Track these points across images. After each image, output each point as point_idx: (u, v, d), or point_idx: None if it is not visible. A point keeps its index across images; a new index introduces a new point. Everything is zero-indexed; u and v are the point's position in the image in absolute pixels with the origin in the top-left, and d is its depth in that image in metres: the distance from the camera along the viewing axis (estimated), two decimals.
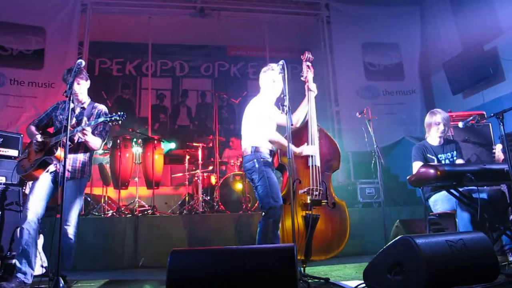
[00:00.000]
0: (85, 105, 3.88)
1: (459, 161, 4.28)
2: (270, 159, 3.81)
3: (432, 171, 3.38)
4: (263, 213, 3.62)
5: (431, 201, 4.21)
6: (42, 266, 4.28)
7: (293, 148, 3.72)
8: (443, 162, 4.26)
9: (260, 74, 4.04)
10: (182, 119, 10.11)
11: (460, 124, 4.24)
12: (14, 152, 4.89)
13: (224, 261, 2.48)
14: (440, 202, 4.10)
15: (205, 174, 7.04)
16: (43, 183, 3.71)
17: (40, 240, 4.39)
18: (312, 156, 3.85)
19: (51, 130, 3.94)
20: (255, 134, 3.82)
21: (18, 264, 3.53)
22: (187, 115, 10.15)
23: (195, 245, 5.18)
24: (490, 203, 3.76)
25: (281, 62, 3.63)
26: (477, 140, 5.11)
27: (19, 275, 3.53)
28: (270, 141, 3.78)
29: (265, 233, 3.53)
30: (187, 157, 7.21)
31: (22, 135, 5.08)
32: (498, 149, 4.35)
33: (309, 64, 4.12)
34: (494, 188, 3.89)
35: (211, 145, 7.41)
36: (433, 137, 4.37)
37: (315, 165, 3.84)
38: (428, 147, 4.36)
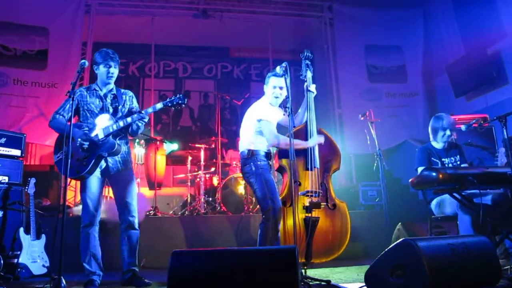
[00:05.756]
0: (114, 91, 3.79)
1: (463, 166, 4.26)
2: (266, 162, 3.81)
3: (434, 174, 3.37)
4: (263, 216, 3.63)
5: (433, 204, 4.20)
6: (44, 266, 4.29)
7: (298, 141, 3.72)
8: (446, 166, 4.24)
9: (265, 78, 4.03)
10: (184, 120, 10.11)
11: (463, 127, 4.22)
12: (17, 152, 4.90)
13: (225, 262, 2.47)
14: (442, 205, 4.09)
15: (207, 176, 7.04)
16: (96, 182, 3.62)
17: (42, 240, 4.41)
18: (311, 158, 3.84)
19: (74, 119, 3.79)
20: (253, 137, 3.82)
21: (89, 268, 3.53)
22: (190, 116, 10.15)
23: (196, 246, 5.18)
24: (494, 206, 3.74)
25: (284, 64, 3.64)
26: (480, 143, 5.09)
27: (95, 277, 3.53)
28: (275, 146, 3.78)
29: (266, 235, 3.54)
30: (189, 158, 7.21)
31: (25, 135, 5.09)
32: (501, 152, 4.34)
33: (308, 62, 4.08)
34: (499, 191, 3.87)
35: (213, 146, 7.41)
36: (439, 142, 4.36)
37: (315, 167, 3.83)
38: (433, 150, 4.35)
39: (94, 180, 3.61)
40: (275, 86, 3.89)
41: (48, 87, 7.29)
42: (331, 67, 8.62)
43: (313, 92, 4.02)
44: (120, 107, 3.74)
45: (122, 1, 8.16)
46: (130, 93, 3.90)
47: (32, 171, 5.65)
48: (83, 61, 3.44)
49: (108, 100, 3.74)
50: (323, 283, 3.42)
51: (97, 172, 3.62)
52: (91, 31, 7.94)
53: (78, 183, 7.17)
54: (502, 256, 3.84)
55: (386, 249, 2.81)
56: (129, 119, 3.55)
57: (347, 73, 8.43)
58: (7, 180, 4.69)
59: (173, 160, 8.41)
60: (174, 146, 7.96)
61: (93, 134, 3.53)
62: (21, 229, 4.31)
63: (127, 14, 8.33)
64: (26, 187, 4.45)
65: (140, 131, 3.76)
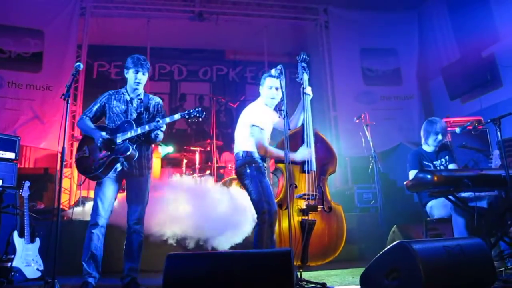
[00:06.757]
0: (141, 97, 3.80)
1: (451, 166, 4.28)
2: (261, 164, 3.79)
3: (429, 176, 3.38)
4: (258, 218, 3.61)
5: (428, 206, 4.21)
6: (38, 270, 4.27)
7: (280, 153, 3.72)
8: (437, 168, 4.26)
9: (261, 79, 4.02)
10: (179, 123, 10.08)
11: (458, 130, 4.25)
12: (11, 155, 4.88)
13: (220, 265, 2.47)
14: (437, 207, 4.10)
15: (202, 178, 7.02)
16: (110, 184, 3.63)
17: (36, 244, 4.38)
18: (308, 161, 3.83)
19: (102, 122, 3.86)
20: (247, 139, 3.81)
21: (87, 268, 3.49)
22: None
23: (191, 249, 5.15)
24: (489, 208, 3.76)
25: (279, 67, 3.63)
26: (474, 145, 5.12)
27: (90, 279, 3.49)
28: (263, 155, 3.77)
29: (261, 238, 3.51)
30: (185, 161, 7.19)
31: (19, 138, 5.07)
32: (495, 154, 4.36)
33: (305, 65, 4.06)
34: (493, 194, 3.89)
35: (208, 149, 7.40)
36: (430, 145, 4.38)
37: (311, 170, 3.83)
38: (424, 154, 4.37)
39: (109, 182, 3.63)
40: (271, 86, 3.87)
41: (43, 90, 7.26)
42: (326, 70, 8.63)
43: (310, 95, 4.01)
44: (144, 113, 3.75)
45: (117, 4, 8.14)
46: (158, 99, 3.91)
47: (26, 174, 5.63)
48: (78, 63, 3.45)
49: (134, 104, 3.76)
50: (318, 286, 3.41)
51: (113, 175, 3.63)
52: (86, 33, 7.92)
53: (74, 185, 7.19)
54: (497, 258, 3.85)
55: (381, 252, 2.82)
56: (146, 127, 3.58)
57: (342, 76, 8.46)
58: (1, 183, 4.67)
59: (168, 162, 8.38)
60: (169, 149, 7.95)
61: (115, 138, 3.57)
62: (15, 233, 4.28)
63: (122, 16, 8.32)
64: (20, 190, 4.42)
65: (158, 139, 3.76)
